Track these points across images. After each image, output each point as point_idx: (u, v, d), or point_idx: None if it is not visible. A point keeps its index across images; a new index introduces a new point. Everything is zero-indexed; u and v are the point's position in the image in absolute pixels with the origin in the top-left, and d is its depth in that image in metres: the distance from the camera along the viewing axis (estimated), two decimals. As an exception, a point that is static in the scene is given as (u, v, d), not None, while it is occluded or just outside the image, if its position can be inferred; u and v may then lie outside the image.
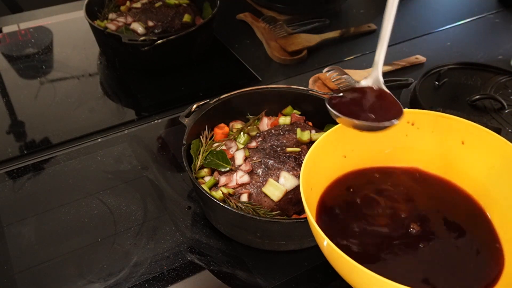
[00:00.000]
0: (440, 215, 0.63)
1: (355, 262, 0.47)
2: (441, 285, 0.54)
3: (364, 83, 0.63)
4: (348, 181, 0.68)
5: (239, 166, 0.75)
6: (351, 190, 0.66)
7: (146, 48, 1.03)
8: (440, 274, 0.56)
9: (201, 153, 0.78)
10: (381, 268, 0.54)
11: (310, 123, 0.86)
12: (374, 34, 1.31)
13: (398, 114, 0.59)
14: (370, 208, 0.64)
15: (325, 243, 0.51)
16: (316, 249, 0.74)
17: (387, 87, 0.63)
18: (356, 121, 0.58)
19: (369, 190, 0.66)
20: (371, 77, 0.64)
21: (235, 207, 0.69)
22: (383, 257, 0.57)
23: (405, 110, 0.64)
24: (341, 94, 0.63)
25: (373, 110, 0.60)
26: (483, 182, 0.65)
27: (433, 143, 0.68)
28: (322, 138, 0.63)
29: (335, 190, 0.66)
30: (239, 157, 0.76)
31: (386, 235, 0.60)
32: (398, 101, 0.61)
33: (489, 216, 0.63)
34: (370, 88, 0.63)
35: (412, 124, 0.68)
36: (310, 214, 0.54)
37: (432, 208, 0.64)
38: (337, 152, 0.67)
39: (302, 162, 0.74)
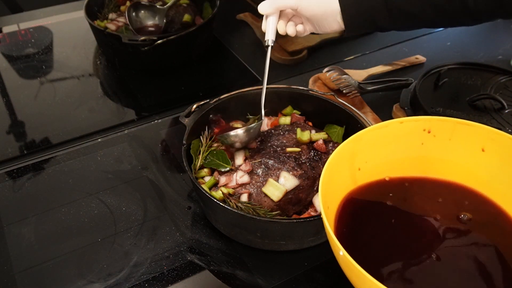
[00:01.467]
0: (466, 227, 0.60)
1: (371, 277, 0.46)
2: None
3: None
4: (364, 193, 0.64)
5: (239, 166, 0.75)
6: (369, 202, 0.64)
7: (146, 48, 1.03)
8: None
9: (201, 153, 0.78)
10: (397, 283, 0.53)
11: (310, 123, 0.86)
12: (374, 34, 1.31)
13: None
14: (388, 220, 0.61)
15: (341, 253, 0.49)
16: (316, 249, 0.74)
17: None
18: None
19: (387, 201, 0.63)
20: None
21: (235, 207, 0.69)
22: (401, 272, 0.55)
23: (421, 118, 0.64)
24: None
25: None
26: (508, 189, 0.61)
27: (451, 151, 0.64)
28: (335, 154, 0.60)
29: (353, 204, 0.63)
30: (239, 157, 0.76)
31: (404, 249, 0.57)
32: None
33: None
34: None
35: (428, 132, 0.64)
36: (329, 227, 0.51)
37: (457, 220, 0.61)
38: (351, 166, 0.64)
39: (302, 162, 0.75)
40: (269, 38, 0.79)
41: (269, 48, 0.80)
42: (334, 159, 0.59)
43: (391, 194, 0.64)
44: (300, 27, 0.83)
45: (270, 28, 0.80)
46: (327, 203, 0.57)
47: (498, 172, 0.62)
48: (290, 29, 0.82)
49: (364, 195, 0.64)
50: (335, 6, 0.77)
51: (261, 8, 0.79)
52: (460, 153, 0.64)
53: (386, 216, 0.62)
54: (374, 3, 0.75)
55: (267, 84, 0.79)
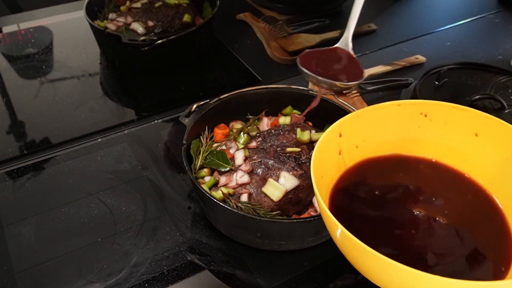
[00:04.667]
0: (452, 206, 0.62)
1: (372, 249, 0.46)
2: (451, 272, 0.53)
3: (335, 45, 0.73)
4: (360, 169, 0.66)
5: (239, 166, 0.75)
6: (363, 178, 0.65)
7: (146, 48, 1.03)
8: (449, 262, 0.55)
9: (201, 153, 0.78)
10: (392, 255, 0.55)
11: (310, 123, 0.86)
12: (374, 34, 1.31)
13: (359, 77, 0.67)
14: (382, 196, 0.63)
15: (339, 231, 0.50)
16: (316, 249, 0.74)
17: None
18: (321, 79, 0.68)
19: (381, 178, 0.65)
20: (342, 40, 0.73)
21: (235, 207, 0.69)
22: (394, 244, 0.56)
23: (418, 101, 0.65)
24: (311, 51, 0.73)
25: (339, 71, 0.70)
26: (497, 174, 0.63)
27: (446, 135, 0.67)
28: (333, 127, 0.61)
29: (347, 179, 0.64)
30: (239, 157, 0.76)
31: (396, 222, 0.59)
32: (360, 65, 0.68)
33: (501, 207, 0.62)
34: (340, 49, 0.72)
35: (425, 116, 0.66)
36: (322, 201, 0.52)
37: (444, 198, 0.63)
38: (348, 142, 0.65)
39: (302, 162, 0.75)
40: None
41: None
42: (331, 132, 0.61)
43: (386, 171, 0.66)
44: None
45: None
46: (320, 173, 0.58)
47: (490, 157, 0.64)
48: None
49: (360, 172, 0.66)
50: None
51: None
52: (455, 137, 0.67)
53: (379, 193, 0.63)
54: None
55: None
